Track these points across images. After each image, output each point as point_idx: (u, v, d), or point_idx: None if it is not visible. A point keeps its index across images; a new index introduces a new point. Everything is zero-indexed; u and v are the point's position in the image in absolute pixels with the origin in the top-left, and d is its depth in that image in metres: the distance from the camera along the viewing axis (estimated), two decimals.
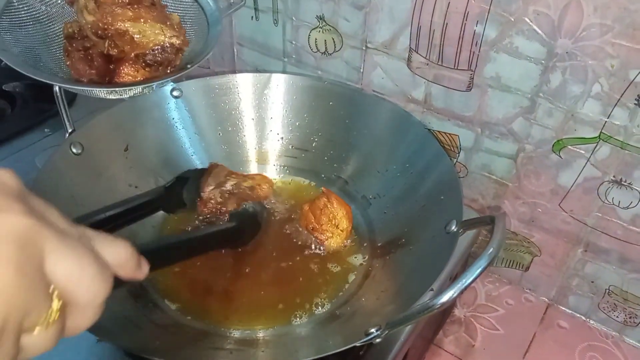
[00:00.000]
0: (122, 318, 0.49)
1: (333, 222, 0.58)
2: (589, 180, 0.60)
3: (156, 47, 0.48)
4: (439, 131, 0.67)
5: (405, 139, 0.60)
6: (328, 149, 0.67)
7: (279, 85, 0.67)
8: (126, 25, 0.47)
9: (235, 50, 0.81)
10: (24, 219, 0.22)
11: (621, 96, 0.53)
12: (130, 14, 0.47)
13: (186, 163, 0.65)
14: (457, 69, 0.61)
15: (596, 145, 0.57)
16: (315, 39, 0.71)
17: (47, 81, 0.47)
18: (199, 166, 0.65)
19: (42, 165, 0.55)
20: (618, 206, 0.59)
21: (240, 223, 0.56)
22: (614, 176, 0.58)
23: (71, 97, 0.80)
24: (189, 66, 0.50)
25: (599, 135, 0.56)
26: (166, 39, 0.48)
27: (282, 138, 0.68)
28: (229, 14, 0.64)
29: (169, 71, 0.51)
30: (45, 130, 0.77)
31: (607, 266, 0.65)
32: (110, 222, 0.50)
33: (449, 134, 0.67)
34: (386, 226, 0.59)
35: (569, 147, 0.59)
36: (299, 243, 0.59)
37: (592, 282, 0.67)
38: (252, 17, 0.74)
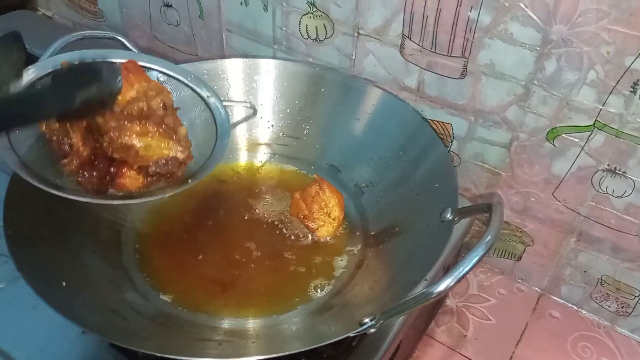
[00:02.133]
0: (107, 310, 0.47)
1: (325, 211, 0.57)
2: (583, 169, 0.59)
3: (160, 160, 0.48)
4: (432, 120, 0.66)
5: (399, 126, 0.59)
6: (320, 137, 0.65)
7: (270, 71, 0.65)
8: (133, 141, 0.46)
9: (224, 37, 0.79)
10: None
11: (617, 83, 0.52)
12: (138, 129, 0.46)
13: None
14: (450, 56, 0.60)
15: (591, 134, 0.57)
16: (306, 25, 0.69)
17: (52, 191, 0.45)
18: None
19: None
20: (612, 195, 0.59)
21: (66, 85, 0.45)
22: (608, 165, 0.57)
23: None
24: (189, 181, 0.50)
25: (594, 124, 0.56)
26: (171, 153, 0.48)
27: (272, 125, 0.67)
28: (238, 123, 0.64)
29: (169, 182, 0.50)
30: None
31: (600, 256, 0.64)
32: None
33: (442, 122, 0.66)
34: (379, 215, 0.58)
35: (563, 135, 0.58)
36: (290, 232, 0.58)
37: (585, 271, 0.67)
38: (241, 2, 0.73)
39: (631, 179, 0.57)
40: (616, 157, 0.56)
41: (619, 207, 0.59)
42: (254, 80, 0.65)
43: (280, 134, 0.67)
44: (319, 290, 0.53)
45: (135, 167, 0.47)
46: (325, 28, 0.68)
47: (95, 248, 0.53)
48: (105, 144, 0.46)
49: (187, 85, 0.55)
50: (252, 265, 0.55)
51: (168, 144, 0.48)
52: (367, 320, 0.40)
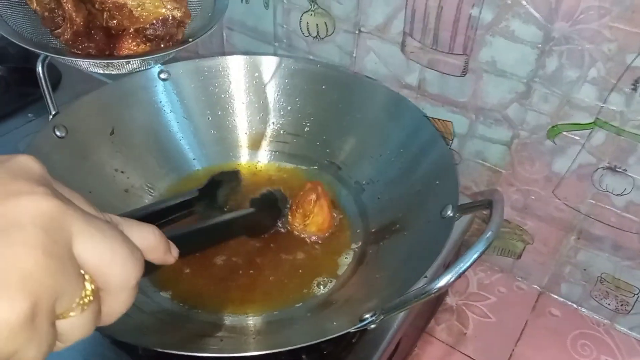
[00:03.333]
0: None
1: (304, 221, 0.57)
2: (584, 166, 0.59)
3: (157, 21, 0.46)
4: (432, 117, 0.66)
5: (400, 123, 0.59)
6: (320, 134, 0.65)
7: (270, 68, 0.65)
8: None
9: (224, 35, 0.79)
10: (49, 201, 0.21)
11: (618, 81, 0.52)
12: None
13: (174, 147, 0.64)
14: (452, 53, 0.60)
15: (591, 131, 0.57)
16: (307, 23, 0.69)
17: (46, 53, 0.44)
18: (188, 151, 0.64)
19: (24, 148, 0.53)
20: (612, 193, 0.59)
21: (261, 209, 0.56)
22: (608, 162, 0.57)
23: (56, 80, 0.78)
24: (190, 40, 0.48)
25: (595, 121, 0.56)
26: (167, 11, 0.46)
27: (273, 123, 0.67)
28: None
29: (170, 45, 0.48)
30: (29, 115, 0.75)
31: (600, 254, 0.64)
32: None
33: (443, 120, 0.66)
34: (380, 212, 0.58)
35: (564, 133, 0.58)
36: (291, 229, 0.58)
37: (585, 269, 0.67)
38: (242, 0, 0.73)
39: (631, 176, 0.57)
40: (617, 154, 0.56)
41: (619, 205, 0.59)
42: (255, 78, 0.65)
43: (281, 132, 0.67)
44: (320, 287, 0.53)
45: (132, 34, 0.45)
46: (326, 25, 0.68)
47: None
48: (97, 7, 0.44)
49: None
50: (253, 263, 0.55)
51: (162, 1, 0.46)
52: (367, 316, 0.40)
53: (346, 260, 0.55)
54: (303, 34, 0.70)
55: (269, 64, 0.65)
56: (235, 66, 0.65)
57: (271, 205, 0.58)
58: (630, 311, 0.67)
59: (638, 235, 0.60)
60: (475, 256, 0.38)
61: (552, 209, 0.65)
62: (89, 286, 0.22)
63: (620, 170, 0.57)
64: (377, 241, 0.56)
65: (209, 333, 0.48)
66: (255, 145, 0.67)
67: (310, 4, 0.67)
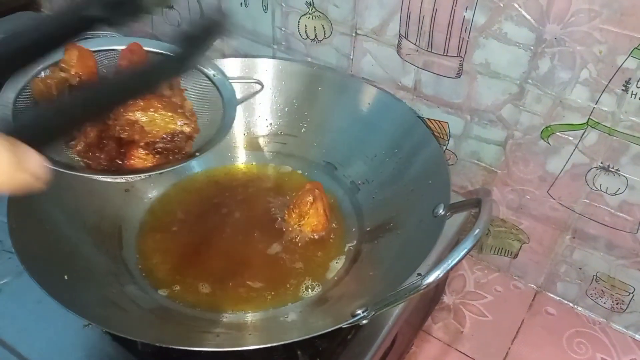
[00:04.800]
0: (108, 302, 0.48)
1: (300, 221, 0.58)
2: (577, 166, 0.60)
3: (167, 135, 0.48)
4: (428, 118, 0.67)
5: (394, 123, 0.60)
6: (317, 135, 0.66)
7: (268, 70, 0.66)
8: (137, 116, 0.46)
9: (223, 37, 0.80)
10: None
11: (609, 82, 0.53)
12: (142, 104, 0.46)
13: None
14: (446, 55, 0.61)
15: (584, 132, 0.57)
16: (305, 26, 0.70)
17: (57, 168, 0.45)
18: None
19: None
20: (606, 192, 0.60)
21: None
22: (601, 162, 0.58)
23: None
24: (197, 154, 0.49)
25: (587, 122, 0.57)
26: (177, 127, 0.48)
27: (270, 124, 0.68)
28: (246, 99, 0.62)
29: (178, 157, 0.50)
30: None
31: (595, 253, 0.65)
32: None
33: (439, 121, 0.67)
34: (375, 211, 0.59)
35: (557, 133, 0.59)
36: (287, 229, 0.59)
37: (580, 268, 0.68)
38: (241, 3, 0.74)
39: (624, 176, 0.57)
40: (609, 154, 0.57)
41: (613, 204, 0.60)
42: (252, 79, 0.66)
43: (278, 132, 0.68)
44: (315, 285, 0.54)
45: (142, 146, 0.47)
46: (324, 28, 0.69)
47: (96, 242, 0.55)
48: (110, 121, 0.46)
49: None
50: (250, 262, 0.56)
51: (173, 117, 0.47)
52: (359, 311, 0.41)
53: (341, 259, 0.57)
54: (301, 36, 0.71)
55: (266, 66, 0.66)
56: (233, 68, 0.66)
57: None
58: (625, 310, 0.67)
59: (632, 235, 0.61)
60: (463, 252, 0.39)
61: (547, 209, 0.65)
62: None
63: (613, 170, 0.58)
64: (371, 240, 0.57)
65: (206, 329, 0.49)
66: (252, 146, 0.68)
67: (308, 7, 0.68)
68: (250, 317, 0.51)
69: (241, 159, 0.68)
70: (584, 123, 0.57)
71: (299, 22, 0.70)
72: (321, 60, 0.72)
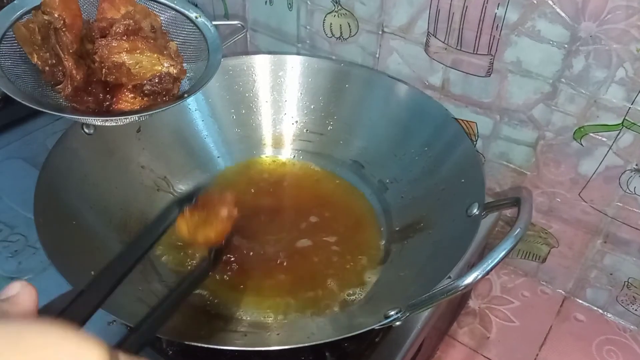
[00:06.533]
0: (134, 299, 0.48)
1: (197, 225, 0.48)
2: (611, 168, 0.58)
3: (154, 77, 0.48)
4: (456, 118, 0.65)
5: (423, 121, 0.59)
6: (344, 133, 0.65)
7: (294, 67, 0.65)
8: (123, 58, 0.46)
9: (248, 36, 0.80)
10: None
11: None
12: (127, 45, 0.46)
13: (199, 145, 0.65)
14: (476, 53, 0.60)
15: (619, 133, 0.56)
16: (330, 24, 0.70)
17: (45, 110, 0.45)
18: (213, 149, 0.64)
19: (53, 145, 0.54)
20: None
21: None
22: (636, 165, 0.57)
23: None
24: (186, 95, 0.50)
25: (622, 122, 0.55)
26: (163, 68, 0.48)
27: (296, 121, 0.67)
28: (230, 42, 0.63)
29: (166, 99, 0.50)
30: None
31: (627, 258, 0.63)
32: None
33: (467, 121, 0.65)
34: (404, 210, 0.58)
35: (591, 134, 0.58)
36: (315, 229, 0.58)
37: (611, 274, 0.66)
38: (265, 1, 0.73)
39: None
40: None
41: None
42: (279, 77, 0.66)
43: (304, 130, 0.67)
44: (343, 285, 0.53)
45: (130, 88, 0.47)
46: (350, 26, 0.68)
47: (122, 239, 0.54)
48: (96, 65, 0.45)
49: (173, 9, 0.55)
50: (278, 261, 0.55)
51: (159, 59, 0.47)
52: (392, 312, 0.40)
53: (370, 259, 0.55)
54: (326, 34, 0.71)
55: (292, 63, 0.66)
56: (259, 65, 0.65)
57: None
58: None
59: None
60: (503, 253, 0.37)
61: (577, 212, 0.64)
62: None
63: None
64: (401, 240, 0.55)
65: (234, 328, 0.48)
66: (278, 143, 0.68)
67: (334, 5, 0.67)
68: (278, 316, 0.50)
69: (267, 157, 0.68)
70: (619, 124, 0.55)
71: (324, 20, 0.70)
72: (346, 59, 0.71)
